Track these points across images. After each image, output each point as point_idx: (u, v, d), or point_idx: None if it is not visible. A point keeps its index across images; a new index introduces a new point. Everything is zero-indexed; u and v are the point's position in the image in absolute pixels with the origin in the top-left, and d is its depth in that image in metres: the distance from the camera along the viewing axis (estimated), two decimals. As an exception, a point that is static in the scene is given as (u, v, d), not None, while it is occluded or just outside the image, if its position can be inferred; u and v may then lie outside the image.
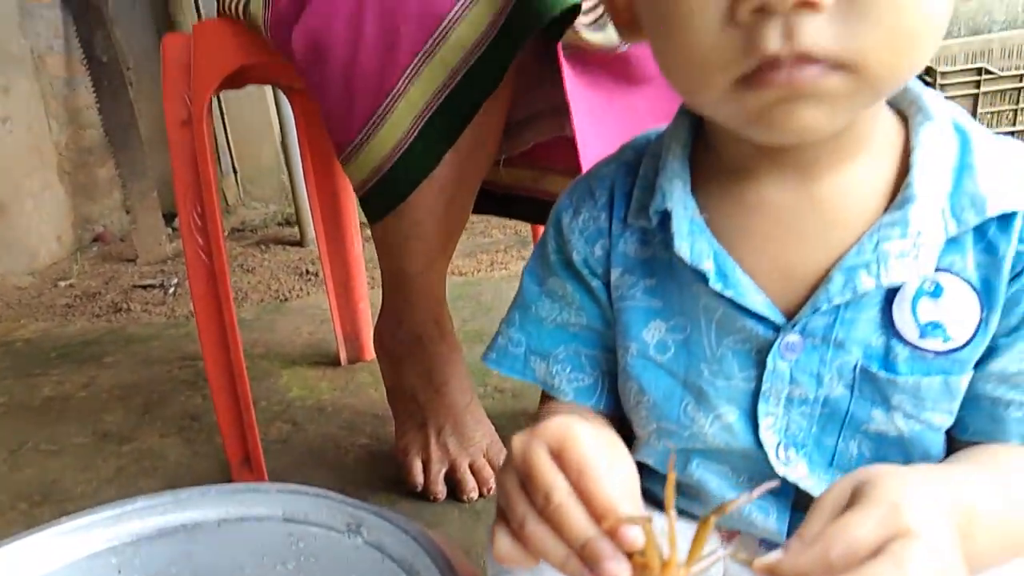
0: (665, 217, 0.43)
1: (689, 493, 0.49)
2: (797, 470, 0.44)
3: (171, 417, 1.20)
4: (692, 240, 0.42)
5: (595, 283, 0.48)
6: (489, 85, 0.66)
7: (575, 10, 0.62)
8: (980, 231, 0.40)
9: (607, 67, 0.69)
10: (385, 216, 0.76)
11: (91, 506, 0.96)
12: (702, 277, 0.42)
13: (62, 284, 2.14)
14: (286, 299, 1.79)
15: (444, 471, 0.88)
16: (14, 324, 1.82)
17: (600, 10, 0.67)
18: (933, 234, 0.39)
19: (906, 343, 0.41)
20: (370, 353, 1.35)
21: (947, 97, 1.64)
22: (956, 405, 0.42)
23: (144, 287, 2.03)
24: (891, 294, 0.41)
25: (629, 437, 0.51)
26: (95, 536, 0.56)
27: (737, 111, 0.37)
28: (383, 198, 0.74)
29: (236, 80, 0.89)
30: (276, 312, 1.67)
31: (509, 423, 1.03)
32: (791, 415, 0.43)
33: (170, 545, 0.57)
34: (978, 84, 2.18)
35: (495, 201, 0.95)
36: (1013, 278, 0.40)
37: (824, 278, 0.41)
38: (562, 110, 0.69)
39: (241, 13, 0.77)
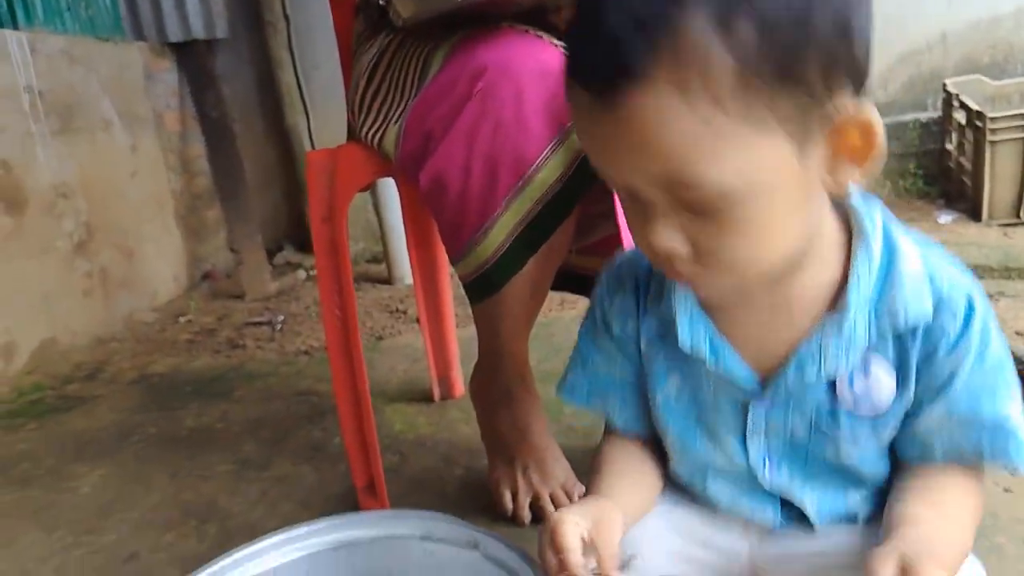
0: (672, 312, 0.61)
1: (708, 505, 0.67)
2: (776, 479, 0.62)
3: (298, 448, 1.43)
4: (692, 331, 0.60)
5: (630, 348, 0.67)
6: (563, 213, 0.87)
7: None
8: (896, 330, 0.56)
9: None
10: (483, 300, 0.98)
11: (246, 523, 1.20)
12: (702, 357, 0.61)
13: (182, 320, 2.43)
14: (381, 337, 2.02)
15: (529, 500, 1.08)
16: (148, 359, 2.11)
17: None
18: (860, 336, 0.56)
19: (844, 408, 0.58)
20: (459, 391, 1.57)
21: (996, 142, 1.81)
22: (885, 441, 0.59)
23: (255, 324, 2.30)
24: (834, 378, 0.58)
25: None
26: (289, 548, 0.78)
27: None
28: (482, 288, 0.96)
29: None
30: (374, 351, 1.91)
31: (580, 456, 1.22)
32: (770, 443, 0.62)
33: (341, 557, 0.78)
34: (1026, 128, 2.26)
35: (569, 280, 1.15)
36: (921, 364, 0.56)
37: (789, 352, 0.58)
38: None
39: (376, 145, 0.99)
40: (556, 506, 1.08)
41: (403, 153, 0.94)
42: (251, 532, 1.17)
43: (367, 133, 1.02)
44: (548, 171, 0.86)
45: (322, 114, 2.92)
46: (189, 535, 1.19)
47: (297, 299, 2.51)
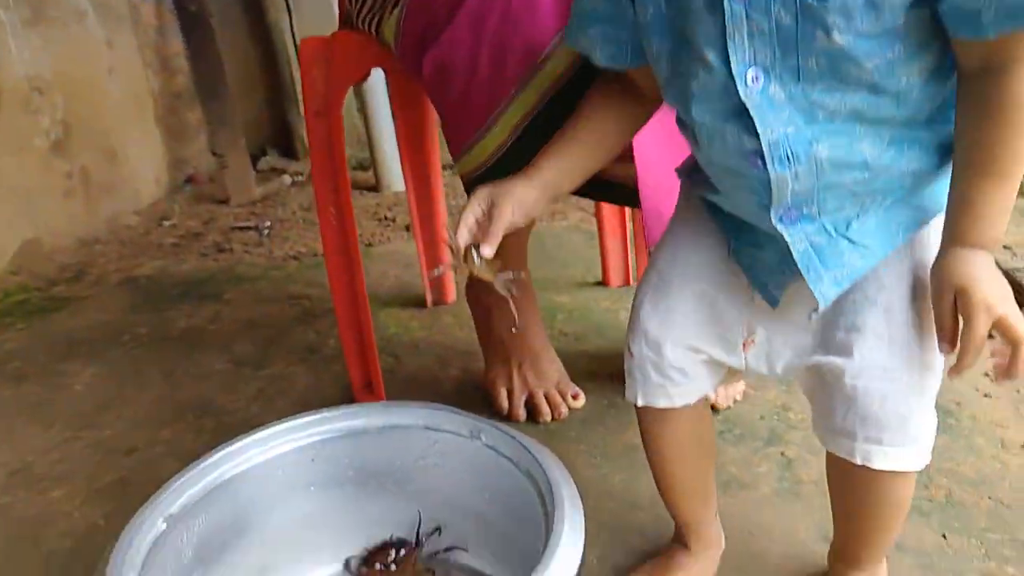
0: None
1: (695, 132, 0.62)
2: (761, 96, 0.56)
3: (292, 349, 1.44)
4: None
5: None
6: (570, 106, 0.84)
7: None
8: None
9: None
10: (485, 199, 0.97)
11: (243, 419, 1.21)
12: None
13: (166, 223, 2.39)
14: (371, 244, 2.01)
15: (524, 398, 1.10)
16: (133, 261, 2.08)
17: None
18: None
19: None
20: (452, 297, 1.57)
21: None
22: (884, 19, 0.52)
23: (241, 229, 2.27)
24: None
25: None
26: (296, 436, 0.79)
27: None
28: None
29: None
30: (364, 257, 1.87)
31: (571, 360, 1.24)
32: (755, 46, 0.55)
33: (346, 444, 0.80)
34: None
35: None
36: None
37: None
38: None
39: (374, 31, 0.96)
40: (550, 405, 1.10)
41: (404, 40, 0.90)
42: (249, 427, 1.18)
43: (364, 19, 0.97)
44: (556, 61, 0.83)
45: (305, 10, 2.80)
46: (186, 431, 1.21)
47: (283, 204, 2.48)
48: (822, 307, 0.62)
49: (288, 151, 2.91)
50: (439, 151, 1.42)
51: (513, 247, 0.97)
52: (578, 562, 0.61)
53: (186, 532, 0.71)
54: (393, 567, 0.79)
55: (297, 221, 2.30)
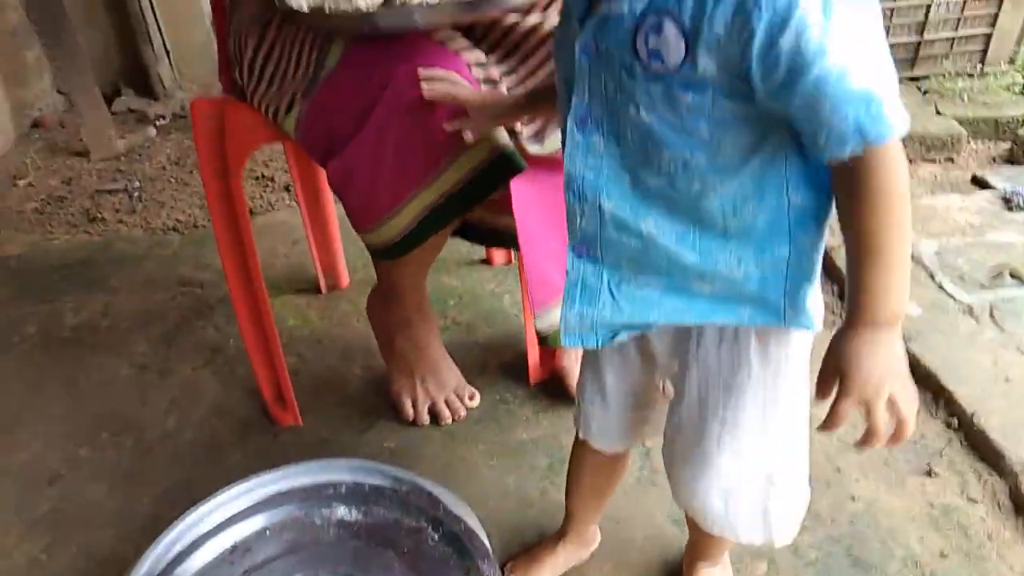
0: None
1: None
2: (587, 140, 0.64)
3: (194, 348, 1.49)
4: None
5: None
6: (467, 207, 0.94)
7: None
8: None
9: (543, 164, 0.97)
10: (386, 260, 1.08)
11: (163, 435, 1.29)
12: None
13: (21, 183, 2.26)
14: (253, 211, 2.00)
15: (427, 406, 1.25)
16: (-3, 234, 1.99)
17: (538, 125, 0.96)
18: None
19: (641, 62, 0.58)
20: (346, 281, 1.65)
21: None
22: (683, 111, 0.59)
23: (109, 192, 2.18)
24: (635, 30, 0.58)
25: None
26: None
27: None
28: (386, 255, 1.04)
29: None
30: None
31: (465, 350, 1.39)
32: (592, 104, 0.63)
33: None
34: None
35: (465, 230, 1.20)
36: (743, 43, 0.54)
37: None
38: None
39: (271, 117, 1.00)
40: (450, 409, 1.26)
41: (305, 142, 0.97)
42: (170, 443, 1.28)
43: (260, 101, 1.02)
44: (455, 171, 0.92)
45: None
46: (106, 447, 1.27)
47: (150, 157, 2.39)
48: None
49: (145, 89, 2.76)
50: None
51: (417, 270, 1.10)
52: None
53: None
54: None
55: (168, 181, 2.23)
